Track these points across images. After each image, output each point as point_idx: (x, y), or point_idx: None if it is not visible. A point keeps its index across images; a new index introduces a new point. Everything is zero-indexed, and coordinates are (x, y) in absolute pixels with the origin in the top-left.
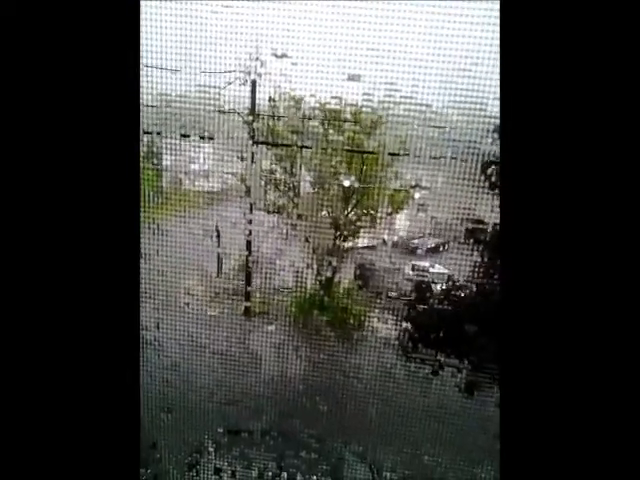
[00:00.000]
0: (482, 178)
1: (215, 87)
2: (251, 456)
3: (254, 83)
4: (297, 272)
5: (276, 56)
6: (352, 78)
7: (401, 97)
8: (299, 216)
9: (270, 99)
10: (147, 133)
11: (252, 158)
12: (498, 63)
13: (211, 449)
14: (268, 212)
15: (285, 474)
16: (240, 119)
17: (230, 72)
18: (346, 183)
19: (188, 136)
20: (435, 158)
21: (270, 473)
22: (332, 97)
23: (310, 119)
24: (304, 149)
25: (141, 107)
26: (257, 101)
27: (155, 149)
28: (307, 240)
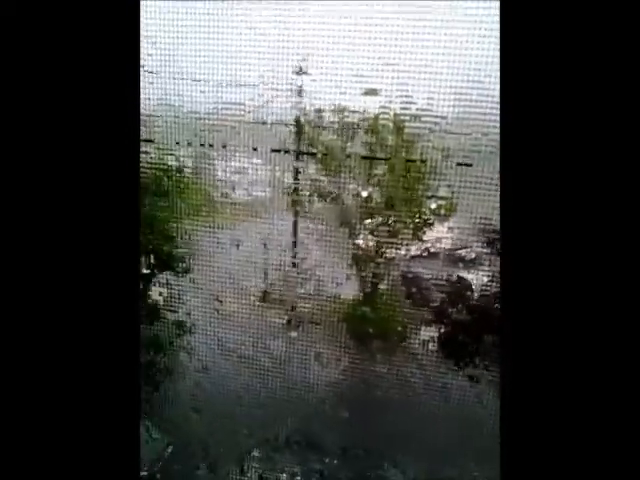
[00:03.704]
0: None
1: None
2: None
3: (300, 94)
4: (340, 281)
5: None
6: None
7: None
8: (343, 225)
9: (317, 110)
10: (202, 144)
11: (297, 168)
12: None
13: None
14: (313, 221)
15: None
16: (287, 130)
17: (276, 85)
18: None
19: (235, 147)
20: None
21: None
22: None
23: (355, 128)
24: (348, 159)
25: (187, 118)
26: (301, 112)
27: (203, 161)
28: (351, 249)
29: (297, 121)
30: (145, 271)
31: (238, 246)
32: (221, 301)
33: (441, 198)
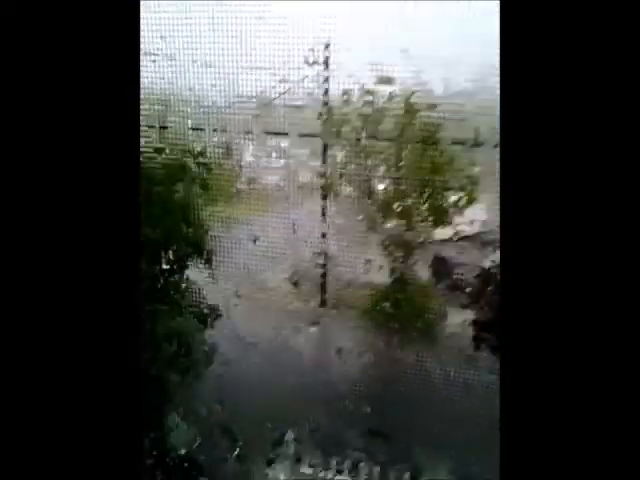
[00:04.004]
0: None
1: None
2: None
3: (327, 78)
4: (370, 266)
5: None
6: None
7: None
8: (373, 210)
9: (343, 92)
10: (223, 131)
11: (325, 153)
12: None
13: None
14: (342, 206)
15: None
16: (314, 114)
17: (302, 68)
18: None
19: (260, 133)
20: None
21: None
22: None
23: (382, 111)
24: (378, 142)
25: (209, 107)
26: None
27: (231, 147)
28: (380, 234)
29: (322, 106)
30: (166, 265)
31: (259, 238)
32: (239, 295)
33: (467, 182)
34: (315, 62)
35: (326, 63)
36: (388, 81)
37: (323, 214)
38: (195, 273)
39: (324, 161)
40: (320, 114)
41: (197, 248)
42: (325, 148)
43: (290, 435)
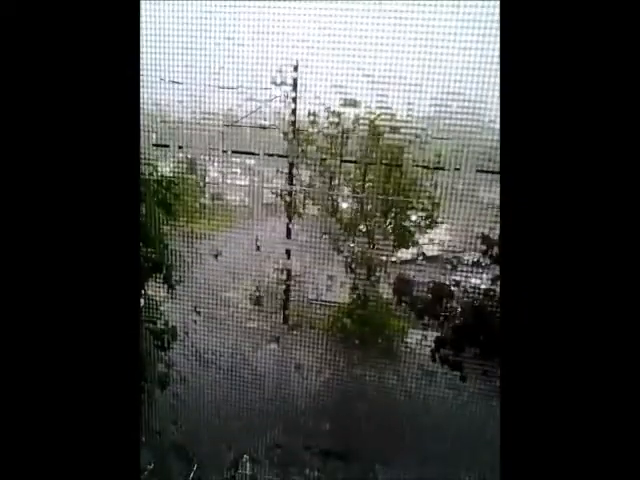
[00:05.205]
0: None
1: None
2: None
3: (294, 99)
4: (334, 284)
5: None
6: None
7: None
8: (337, 229)
9: (310, 114)
10: (180, 147)
11: (291, 172)
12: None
13: None
14: (306, 225)
15: None
16: (280, 134)
17: (269, 88)
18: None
19: (227, 151)
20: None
21: None
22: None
23: (348, 133)
24: (343, 163)
25: (182, 123)
26: (296, 117)
27: (196, 164)
28: (344, 253)
29: (287, 127)
30: None
31: (221, 254)
32: (199, 312)
33: (429, 205)
34: (283, 83)
35: (294, 84)
36: (353, 104)
37: (287, 232)
38: (154, 290)
39: (290, 180)
40: (286, 134)
41: (156, 264)
42: (291, 167)
43: (247, 456)
